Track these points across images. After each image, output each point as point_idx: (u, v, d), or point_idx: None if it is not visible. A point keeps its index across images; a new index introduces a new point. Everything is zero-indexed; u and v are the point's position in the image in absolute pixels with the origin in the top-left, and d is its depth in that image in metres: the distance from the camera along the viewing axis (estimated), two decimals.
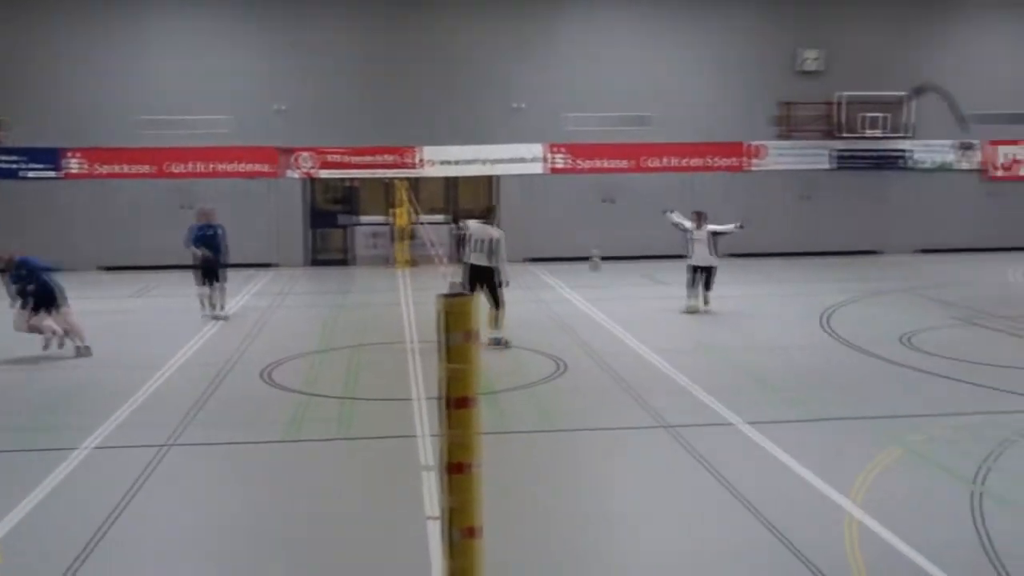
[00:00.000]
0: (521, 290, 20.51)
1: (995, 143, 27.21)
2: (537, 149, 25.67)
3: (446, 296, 4.48)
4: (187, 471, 8.90)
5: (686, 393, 11.35)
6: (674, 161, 26.06)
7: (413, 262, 24.27)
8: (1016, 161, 27.39)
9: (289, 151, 25.03)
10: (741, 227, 17.25)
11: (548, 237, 25.75)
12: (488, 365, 12.78)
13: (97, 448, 9.44)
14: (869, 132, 26.16)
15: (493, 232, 14.01)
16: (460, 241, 14.21)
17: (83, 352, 13.76)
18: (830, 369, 12.56)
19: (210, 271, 16.85)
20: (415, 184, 25.45)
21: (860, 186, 26.77)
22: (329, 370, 12.98)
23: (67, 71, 24.35)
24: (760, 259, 24.27)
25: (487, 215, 14.58)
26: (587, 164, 25.84)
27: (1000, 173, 27.37)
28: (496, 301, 14.06)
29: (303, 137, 24.97)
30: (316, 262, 25.65)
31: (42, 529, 7.44)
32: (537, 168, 25.74)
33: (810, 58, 26.21)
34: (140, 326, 16.76)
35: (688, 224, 17.08)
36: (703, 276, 16.83)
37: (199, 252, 16.69)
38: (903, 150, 26.81)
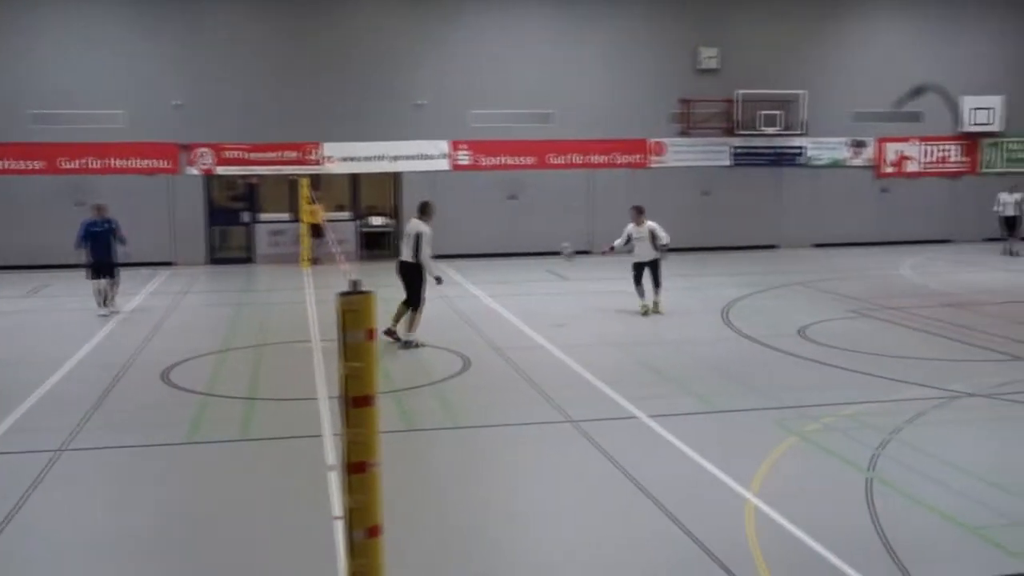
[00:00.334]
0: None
1: (885, 140, 28.13)
2: (441, 146, 25.62)
3: (345, 294, 4.44)
4: (82, 476, 8.64)
5: (590, 387, 11.46)
6: (577, 158, 26.30)
7: (316, 260, 24.01)
8: (904, 158, 28.37)
9: (187, 147, 24.50)
10: (666, 247, 16.46)
11: (452, 234, 25.66)
12: (392, 363, 12.74)
13: None
14: (766, 129, 26.78)
15: (418, 227, 13.82)
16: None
17: None
18: (731, 362, 12.82)
19: (103, 267, 16.80)
20: (317, 181, 25.16)
21: (758, 182, 27.42)
22: (231, 370, 12.75)
23: None
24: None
25: (421, 211, 14.20)
26: (490, 161, 25.89)
27: (890, 170, 28.30)
28: (413, 300, 13.85)
29: (202, 133, 24.47)
30: (216, 260, 25.17)
31: None
32: (441, 165, 25.70)
33: (708, 56, 26.72)
34: (33, 326, 16.27)
35: (628, 228, 16.50)
36: (650, 272, 16.31)
37: (87, 254, 16.77)
38: (799, 147, 27.53)
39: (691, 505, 7.58)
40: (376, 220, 26.39)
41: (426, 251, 13.75)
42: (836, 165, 27.91)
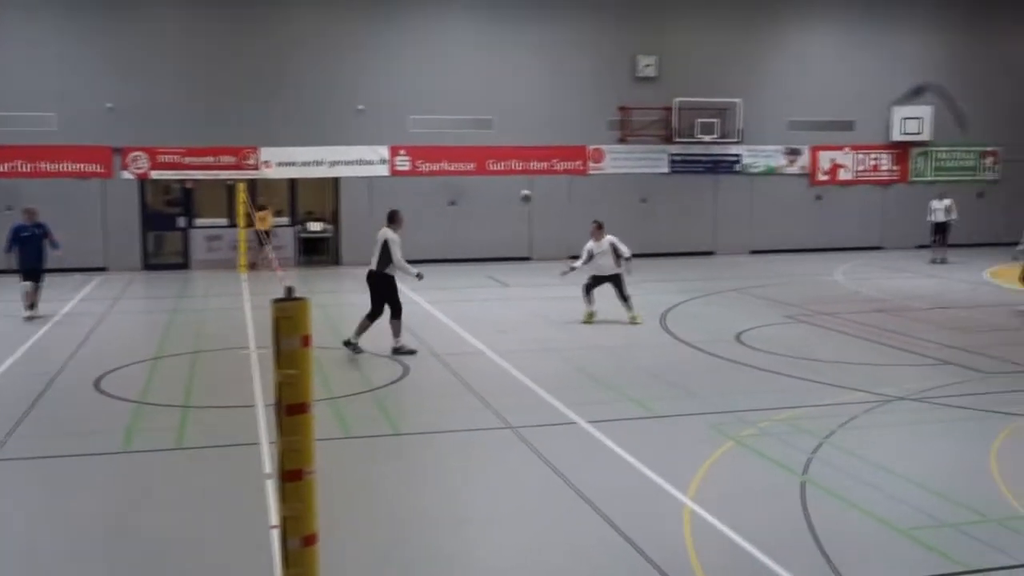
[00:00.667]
0: (365, 293, 20.32)
1: (819, 148, 28.63)
2: (380, 151, 25.52)
3: (279, 301, 4.40)
4: (11, 487, 8.45)
5: (530, 394, 11.48)
6: (517, 164, 26.37)
7: (253, 266, 23.76)
8: (837, 166, 28.90)
9: (121, 151, 24.08)
10: (629, 260, 16.31)
11: None
12: (329, 370, 12.64)
13: None
14: (703, 137, 27.10)
15: (386, 234, 13.70)
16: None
17: None
18: (668, 367, 12.93)
19: (33, 272, 16.70)
20: (254, 186, 24.93)
21: (695, 189, 27.74)
22: (166, 378, 12.55)
23: None
24: None
25: (390, 220, 14.06)
26: (430, 167, 25.84)
27: (824, 177, 28.81)
28: (391, 309, 13.66)
29: (136, 136, 24.09)
30: (151, 266, 24.76)
31: None
32: (380, 170, 25.59)
33: (646, 64, 26.97)
34: None
35: (588, 246, 16.24)
36: (614, 288, 16.08)
37: (17, 259, 16.66)
38: (735, 155, 27.91)
39: (629, 510, 7.63)
40: (315, 226, 26.21)
41: (397, 254, 13.57)
42: (771, 173, 28.35)
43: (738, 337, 14.89)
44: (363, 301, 19.19)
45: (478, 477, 8.71)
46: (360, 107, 25.26)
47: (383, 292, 13.73)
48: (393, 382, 12.18)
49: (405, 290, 20.40)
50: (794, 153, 28.42)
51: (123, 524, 7.60)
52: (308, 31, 25.00)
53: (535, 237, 26.55)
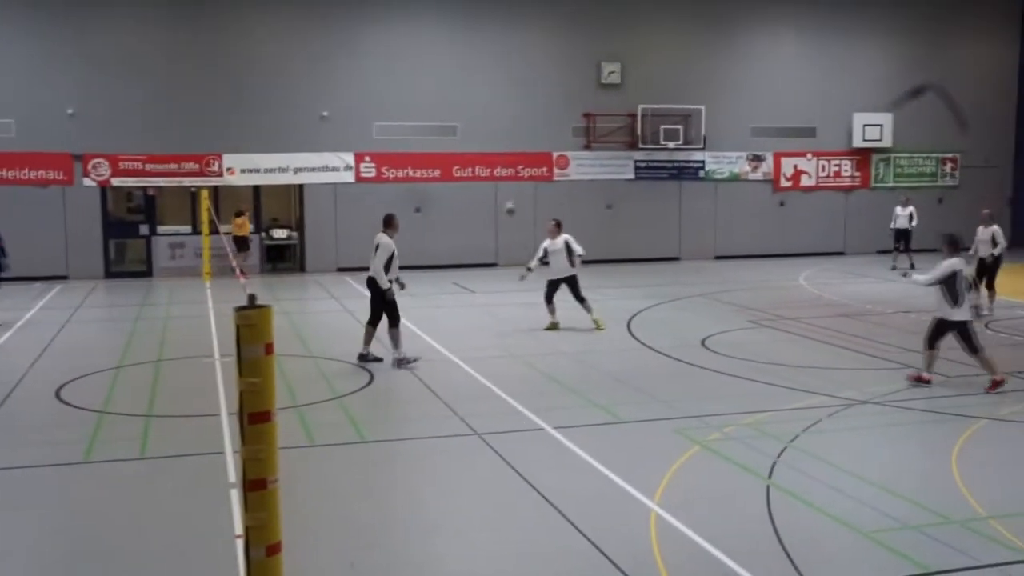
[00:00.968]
0: (331, 300, 20.28)
1: (782, 155, 28.89)
2: (344, 158, 25.43)
3: (242, 308, 4.37)
4: None
5: (496, 400, 11.48)
6: (482, 171, 26.37)
7: (214, 273, 23.59)
8: (800, 172, 29.17)
9: (82, 157, 23.82)
10: (581, 259, 16.25)
11: (357, 246, 25.49)
12: (294, 377, 12.56)
13: None
14: (667, 143, 27.24)
15: (379, 239, 13.44)
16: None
17: None
18: (634, 373, 12.96)
19: None
20: (217, 193, 24.76)
21: (660, 195, 27.88)
22: (129, 387, 12.41)
23: None
24: None
25: (385, 224, 13.76)
26: (395, 173, 25.79)
27: (787, 183, 29.07)
28: (391, 317, 13.31)
29: (98, 143, 23.83)
30: (113, 274, 24.49)
31: None
32: (345, 177, 25.50)
33: (611, 71, 27.09)
34: None
35: (544, 244, 16.19)
36: (570, 290, 15.97)
37: None
38: (699, 161, 28.08)
39: (596, 515, 7.64)
40: (279, 233, 26.06)
41: (378, 259, 13.29)
42: (735, 179, 28.55)
43: (703, 342, 14.97)
44: (327, 308, 19.21)
45: (445, 484, 8.68)
46: (324, 114, 25.16)
47: (375, 297, 13.47)
48: (359, 389, 12.12)
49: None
50: (757, 159, 28.65)
51: (85, 535, 7.50)
52: (271, 37, 24.87)
53: (501, 243, 26.56)
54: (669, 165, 27.90)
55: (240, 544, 6.67)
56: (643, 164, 27.68)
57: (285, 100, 24.91)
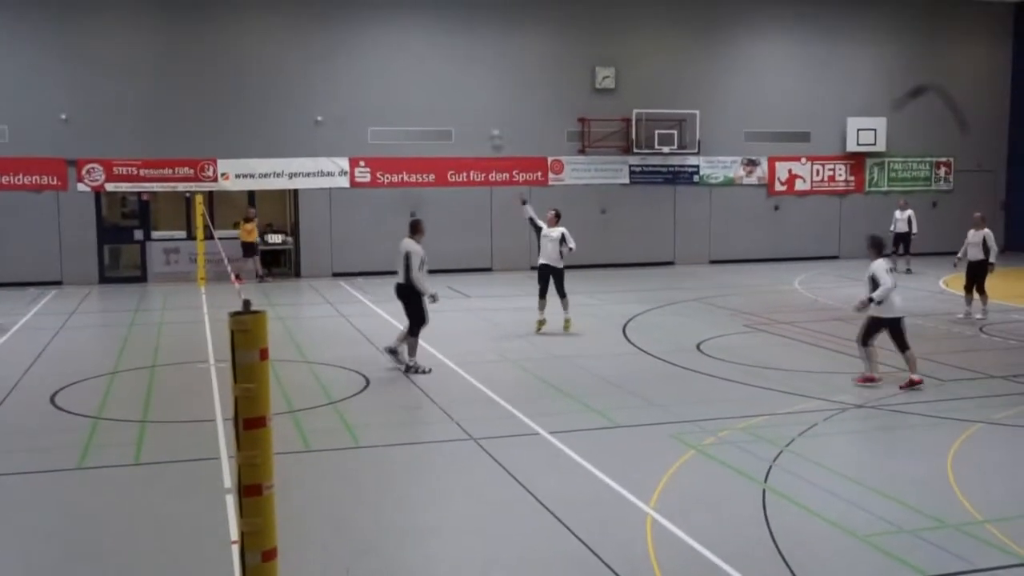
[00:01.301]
0: (326, 305, 20.26)
1: (776, 159, 28.93)
2: (339, 163, 25.42)
3: (237, 314, 4.36)
4: None
5: (492, 404, 11.47)
6: (477, 175, 26.37)
7: (207, 278, 23.54)
8: (795, 176, 29.22)
9: (76, 163, 23.78)
10: (569, 251, 16.37)
11: (353, 251, 25.55)
12: (290, 383, 12.55)
13: None
14: (661, 148, 27.25)
15: (408, 247, 13.28)
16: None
17: None
18: (630, 377, 12.96)
19: None
20: (210, 198, 24.73)
21: (655, 200, 27.89)
22: (123, 392, 12.38)
23: None
24: None
25: (412, 230, 13.62)
26: (390, 178, 25.78)
27: (781, 188, 29.11)
28: (415, 321, 13.18)
29: (92, 148, 23.77)
30: (108, 279, 24.44)
31: None
32: (340, 182, 25.48)
33: (605, 76, 27.12)
34: None
35: (542, 224, 16.41)
36: (555, 282, 16.07)
37: None
38: (694, 165, 28.11)
39: (592, 520, 7.63)
40: (274, 238, 26.04)
41: (415, 267, 13.16)
42: (729, 183, 28.58)
43: (698, 347, 14.98)
44: (323, 313, 19.19)
45: (441, 489, 8.67)
46: (319, 118, 25.15)
47: (407, 304, 13.30)
48: (354, 395, 12.11)
49: (366, 301, 20.43)
50: (752, 164, 28.69)
51: (80, 541, 7.48)
52: (266, 42, 24.86)
53: (496, 248, 26.55)
54: (664, 170, 27.92)
55: (235, 550, 6.66)
56: (638, 169, 27.71)
57: (280, 105, 24.90)
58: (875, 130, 29.22)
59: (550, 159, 26.95)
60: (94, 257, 24.32)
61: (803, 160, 29.20)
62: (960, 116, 25.82)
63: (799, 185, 29.25)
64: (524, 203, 16.86)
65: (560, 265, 16.22)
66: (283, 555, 4.81)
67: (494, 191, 26.46)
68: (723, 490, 8.41)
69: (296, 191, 25.44)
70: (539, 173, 26.88)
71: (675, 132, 27.32)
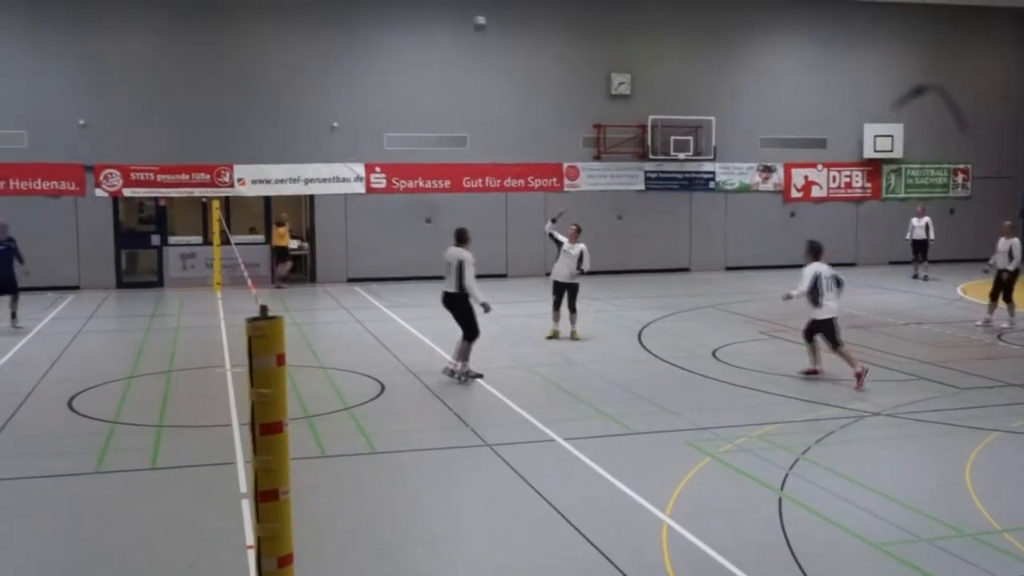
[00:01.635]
0: (341, 310, 20.30)
1: (792, 166, 28.84)
2: (355, 168, 25.48)
3: (254, 320, 4.37)
4: None
5: (507, 411, 11.47)
6: (492, 181, 26.39)
7: (223, 283, 23.65)
8: (811, 183, 29.12)
9: (93, 168, 23.91)
10: (583, 272, 16.50)
11: (368, 256, 25.61)
12: (305, 388, 12.57)
13: None
14: (677, 154, 27.21)
15: (460, 255, 13.17)
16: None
17: None
18: (645, 384, 12.93)
19: (5, 285, 17.25)
20: (227, 204, 24.83)
21: (670, 206, 27.85)
22: (140, 397, 12.43)
23: None
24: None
25: (460, 239, 13.53)
26: (405, 184, 25.83)
27: (797, 194, 29.01)
28: (469, 330, 13.07)
29: (109, 153, 23.92)
30: (125, 284, 24.56)
31: None
32: (356, 188, 25.54)
33: (620, 82, 27.11)
34: None
35: (564, 240, 16.51)
36: (568, 296, 16.27)
37: None
38: (709, 172, 28.06)
39: (607, 527, 7.62)
40: (290, 243, 26.10)
41: (471, 277, 13.09)
42: (745, 190, 28.51)
43: (714, 353, 14.94)
44: (338, 318, 19.23)
45: (455, 495, 8.68)
46: (335, 124, 25.23)
47: (463, 313, 13.18)
48: (369, 400, 12.12)
49: (381, 306, 20.46)
50: (768, 170, 28.62)
51: (96, 545, 7.51)
52: (283, 49, 24.96)
53: (511, 254, 26.56)
54: (679, 176, 27.89)
55: (251, 555, 6.68)
56: (653, 175, 27.67)
57: (296, 111, 24.99)
58: (892, 136, 29.11)
59: (565, 165, 26.96)
60: (111, 262, 24.45)
61: (819, 166, 29.10)
62: (960, 116, 25.68)
63: (815, 192, 29.16)
64: (554, 220, 16.82)
65: (575, 280, 16.39)
66: (299, 560, 4.81)
67: (509, 197, 26.47)
68: (739, 497, 8.38)
69: (312, 197, 25.52)
70: (554, 179, 26.88)
71: (691, 138, 27.29)
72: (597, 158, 27.17)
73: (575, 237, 16.51)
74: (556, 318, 16.45)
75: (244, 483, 8.64)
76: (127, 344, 16.75)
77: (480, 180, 26.34)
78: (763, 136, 28.48)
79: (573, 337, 16.32)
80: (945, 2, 29.29)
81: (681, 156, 27.26)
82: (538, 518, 7.89)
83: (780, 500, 8.21)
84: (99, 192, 24.05)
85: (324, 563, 6.92)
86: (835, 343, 12.83)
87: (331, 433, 10.53)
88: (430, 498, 8.56)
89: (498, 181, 26.46)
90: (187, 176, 24.41)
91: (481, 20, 16.29)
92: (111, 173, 24.00)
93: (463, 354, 13.12)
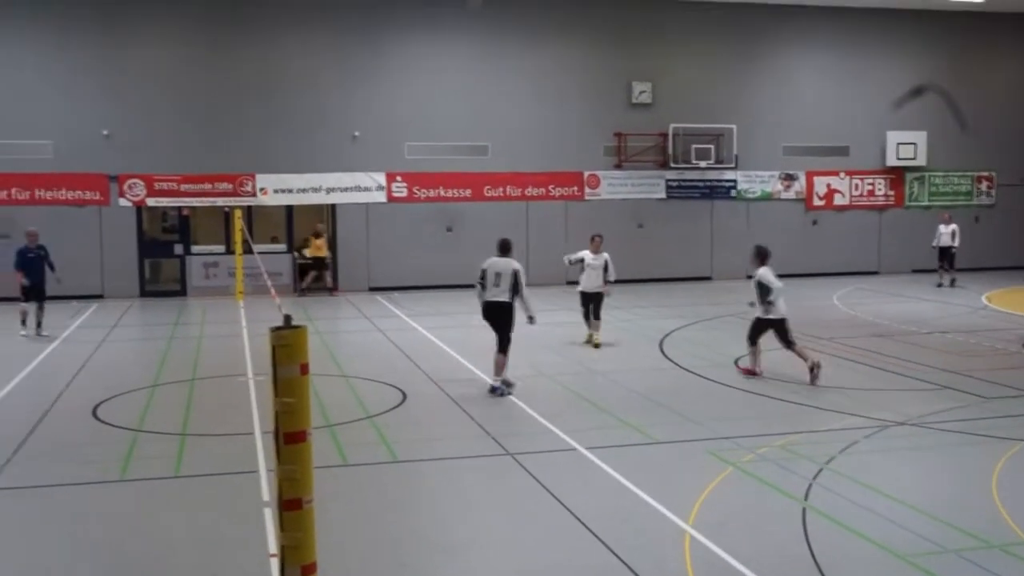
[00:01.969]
0: (363, 319, 20.35)
1: (814, 174, 28.73)
2: (376, 178, 25.57)
3: (277, 329, 4.39)
4: (7, 516, 8.39)
5: (528, 419, 11.46)
6: (513, 190, 26.42)
7: (244, 292, 23.75)
8: (833, 191, 28.98)
9: (117, 178, 24.11)
10: (612, 283, 16.67)
11: (389, 266, 25.67)
12: (327, 397, 12.60)
13: None
14: (698, 163, 27.15)
15: (513, 264, 13.02)
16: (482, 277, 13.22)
17: None
18: (667, 393, 12.89)
19: (36, 291, 17.77)
20: (248, 213, 24.96)
21: (692, 215, 27.78)
22: (163, 405, 12.50)
23: None
24: None
25: (506, 249, 13.27)
26: (426, 193, 25.89)
27: (820, 203, 28.89)
28: (503, 343, 12.86)
29: (133, 163, 24.11)
30: (148, 293, 24.72)
31: None
32: (377, 197, 25.62)
33: (641, 91, 27.09)
34: None
35: (584, 254, 16.69)
36: (593, 305, 16.49)
37: (23, 281, 17.66)
38: (731, 180, 27.98)
39: (629, 537, 7.59)
40: (327, 254, 26.18)
41: (525, 287, 12.96)
42: (767, 198, 28.41)
43: (736, 362, 14.87)
44: (360, 327, 19.27)
45: (477, 504, 8.67)
46: (356, 134, 25.33)
47: (508, 323, 12.97)
48: (392, 409, 12.14)
49: (403, 315, 20.50)
50: (790, 178, 28.51)
51: (120, 553, 7.54)
52: (304, 59, 25.09)
53: (531, 263, 26.45)
54: (701, 184, 27.83)
55: (274, 563, 6.69)
56: (674, 183, 27.63)
57: (317, 121, 25.12)
58: (915, 144, 28.94)
59: (586, 174, 26.95)
60: (135, 271, 24.63)
61: (842, 174, 28.97)
62: (960, 116, 25.54)
63: (838, 200, 29.02)
64: (570, 263, 17.08)
65: (603, 291, 16.55)
66: (322, 569, 4.82)
67: (530, 205, 26.49)
68: (762, 508, 8.33)
69: (333, 206, 25.62)
70: (575, 188, 26.88)
71: (712, 147, 27.23)
72: (618, 167, 27.15)
73: (598, 246, 16.63)
74: (589, 324, 16.72)
75: (267, 491, 8.66)
76: (151, 353, 16.85)
77: (501, 189, 26.38)
78: (785, 144, 28.38)
79: (595, 344, 16.40)
80: (968, 9, 29.11)
81: (702, 164, 27.21)
82: (560, 527, 7.88)
83: (804, 510, 8.15)
84: (123, 202, 24.23)
85: (347, 572, 6.92)
86: (788, 342, 13.53)
87: (353, 442, 10.55)
88: (452, 507, 8.56)
89: (519, 190, 26.48)
90: (210, 186, 24.57)
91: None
92: (135, 183, 24.18)
93: (503, 367, 12.95)
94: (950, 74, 29.21)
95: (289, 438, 4.43)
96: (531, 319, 13.08)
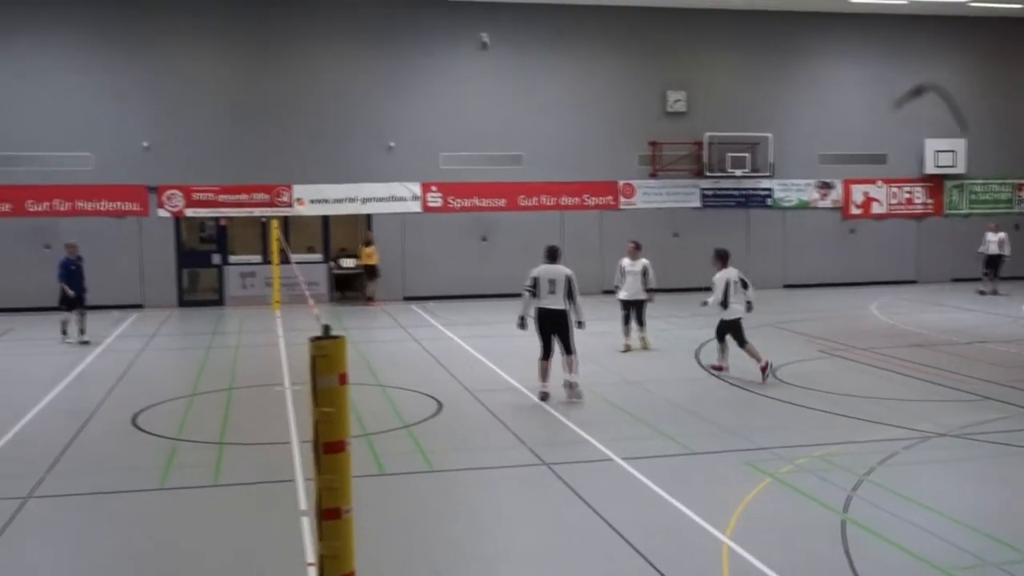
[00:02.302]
0: (398, 329, 20.42)
1: (851, 182, 28.49)
2: (411, 188, 25.68)
3: (317, 339, 4.42)
4: (49, 524, 8.49)
5: (564, 429, 11.44)
6: (547, 199, 26.44)
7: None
8: (870, 199, 28.73)
9: (156, 189, 24.40)
10: (652, 289, 17.03)
11: (424, 275, 25.76)
12: (364, 406, 12.65)
13: None
14: (734, 171, 27.02)
15: (567, 271, 13.15)
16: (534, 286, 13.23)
17: None
18: (703, 403, 12.83)
19: (77, 301, 18.26)
20: (285, 223, 25.15)
21: (727, 223, 27.63)
22: (202, 414, 12.61)
23: None
24: None
25: (555, 256, 13.40)
26: (461, 202, 25.96)
27: (857, 211, 28.65)
28: (569, 346, 13.08)
29: (171, 174, 24.41)
30: (186, 303, 24.98)
31: None
32: (412, 207, 25.74)
33: (676, 99, 27.03)
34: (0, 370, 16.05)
35: (622, 262, 17.01)
36: (635, 311, 16.89)
37: (69, 292, 18.17)
38: (767, 188, 27.82)
39: (666, 547, 7.55)
40: (347, 262, 26.34)
41: (577, 296, 13.08)
42: (803, 206, 28.22)
43: (774, 372, 14.76)
44: (395, 336, 19.33)
45: (513, 514, 8.66)
46: (391, 144, 25.46)
47: (566, 329, 13.14)
48: (427, 418, 12.16)
49: (438, 325, 20.55)
50: (826, 187, 28.30)
51: (159, 561, 7.61)
52: (340, 71, 25.29)
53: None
54: (736, 193, 27.70)
55: (312, 572, 6.72)
56: (710, 192, 27.52)
57: (353, 131, 25.29)
58: (954, 152, 28.63)
59: (621, 183, 26.91)
60: (173, 281, 24.90)
61: (879, 183, 28.72)
62: (959, 116, 25.25)
63: (875, 208, 28.76)
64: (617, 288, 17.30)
65: (644, 297, 16.84)
66: None
67: (565, 215, 26.48)
68: (801, 520, 8.26)
69: (369, 216, 25.75)
70: (610, 197, 26.85)
71: (747, 155, 27.09)
72: (653, 175, 27.08)
73: (636, 253, 16.83)
74: (627, 332, 16.97)
75: (304, 500, 8.71)
76: (189, 362, 17.00)
77: (536, 198, 26.40)
78: (821, 152, 28.19)
79: (645, 347, 16.91)
80: (1005, 14, 28.79)
81: (738, 173, 27.08)
82: (596, 538, 7.85)
83: (843, 522, 8.07)
84: (162, 212, 24.52)
85: None
86: (741, 341, 14.32)
87: (389, 451, 10.57)
88: (487, 517, 8.56)
89: (554, 199, 26.49)
90: (247, 196, 24.80)
91: (485, 38, 16.40)
92: (173, 194, 24.46)
93: (573, 367, 13.08)
94: (987, 80, 28.91)
95: (328, 447, 4.46)
96: (580, 324, 13.20)
